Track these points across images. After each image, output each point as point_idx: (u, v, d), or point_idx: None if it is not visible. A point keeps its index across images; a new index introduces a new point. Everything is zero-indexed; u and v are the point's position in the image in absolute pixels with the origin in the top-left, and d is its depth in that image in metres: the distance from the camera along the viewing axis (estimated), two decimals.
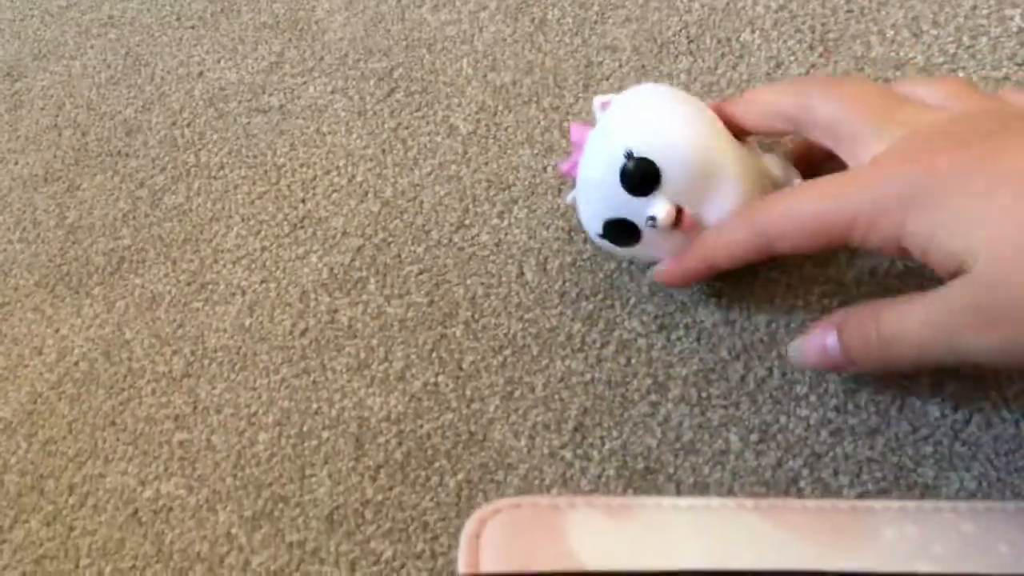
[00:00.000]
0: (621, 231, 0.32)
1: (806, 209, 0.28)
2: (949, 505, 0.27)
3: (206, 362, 0.40)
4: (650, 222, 0.31)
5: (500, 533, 0.28)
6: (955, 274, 0.25)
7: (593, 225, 0.33)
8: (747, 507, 0.28)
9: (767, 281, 0.36)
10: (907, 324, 0.26)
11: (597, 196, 0.32)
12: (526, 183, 0.41)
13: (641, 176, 0.30)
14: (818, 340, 0.30)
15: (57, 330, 0.43)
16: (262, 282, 0.41)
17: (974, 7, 0.41)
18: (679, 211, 0.31)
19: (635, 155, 0.30)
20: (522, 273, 0.39)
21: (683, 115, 0.30)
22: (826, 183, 0.28)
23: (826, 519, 0.27)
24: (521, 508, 0.29)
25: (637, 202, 0.31)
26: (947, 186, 0.24)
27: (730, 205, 0.30)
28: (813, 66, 0.41)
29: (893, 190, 0.26)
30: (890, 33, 0.41)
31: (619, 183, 0.30)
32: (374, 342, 0.38)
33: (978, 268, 0.24)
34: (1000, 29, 0.40)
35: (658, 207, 0.30)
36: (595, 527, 0.28)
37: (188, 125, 0.48)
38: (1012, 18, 0.40)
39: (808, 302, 0.35)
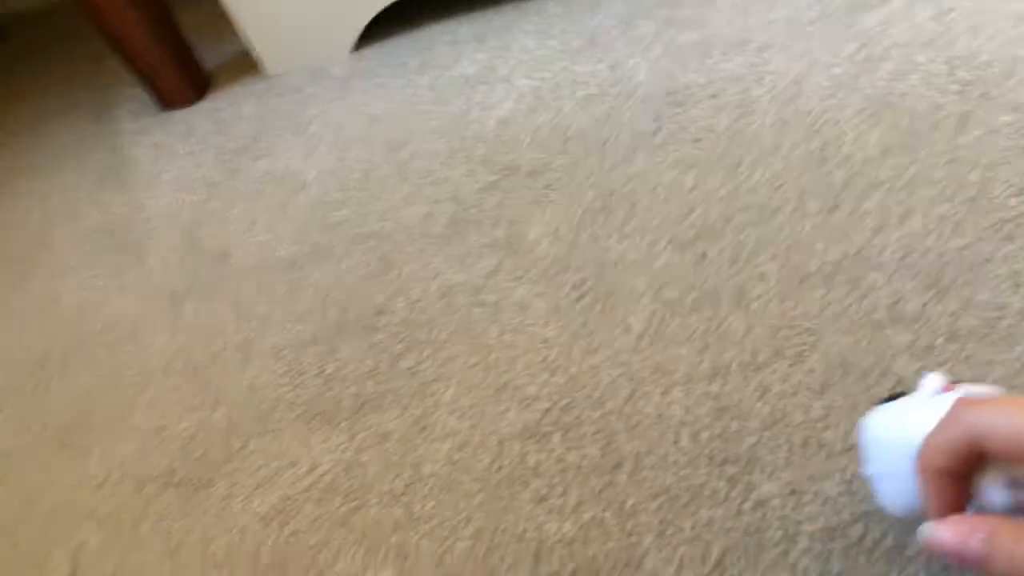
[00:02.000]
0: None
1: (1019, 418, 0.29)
2: None
3: (421, 484, 0.51)
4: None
5: None
6: None
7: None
8: None
9: None
10: None
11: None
12: (684, 372, 0.52)
13: None
14: (961, 536, 0.30)
15: (309, 451, 0.55)
16: (470, 428, 0.53)
17: None
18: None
19: None
20: (678, 439, 0.48)
21: None
22: None
23: None
24: None
25: None
26: None
27: None
28: (925, 304, 0.51)
29: None
30: (992, 283, 0.51)
31: None
32: (554, 481, 0.48)
33: None
34: None
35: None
36: None
37: (423, 311, 0.63)
38: None
39: None
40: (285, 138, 0.91)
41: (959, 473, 0.31)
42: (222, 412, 0.60)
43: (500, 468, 0.50)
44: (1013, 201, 0.55)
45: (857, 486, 0.43)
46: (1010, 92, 0.64)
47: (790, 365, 0.50)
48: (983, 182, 0.58)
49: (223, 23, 1.15)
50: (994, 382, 0.46)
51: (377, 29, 1.04)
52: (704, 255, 0.60)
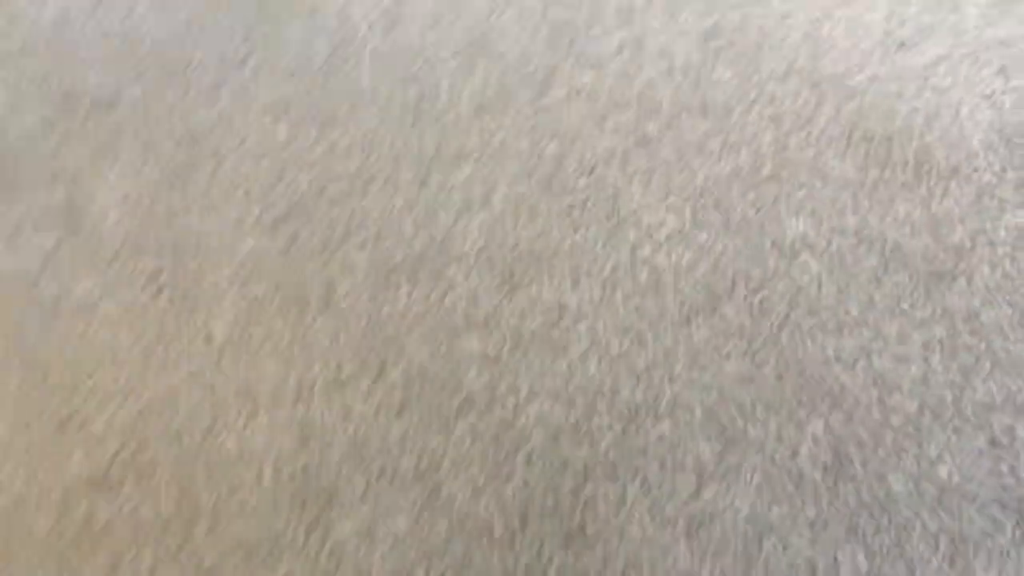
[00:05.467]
0: None
1: None
2: None
3: None
4: None
5: None
6: None
7: None
8: None
9: None
10: None
11: None
12: (269, 393, 0.50)
13: None
14: None
15: None
16: (27, 478, 0.48)
17: None
18: None
19: None
20: (260, 478, 0.48)
21: None
22: None
23: None
24: None
25: None
26: None
27: None
28: (500, 303, 0.53)
29: None
30: (556, 280, 0.54)
31: None
32: (127, 541, 0.46)
33: None
34: None
35: None
36: None
37: None
38: None
39: None
40: None
41: None
42: None
43: (64, 531, 0.46)
44: (582, 182, 0.58)
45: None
46: (595, 40, 0.65)
47: (372, 381, 0.51)
48: (559, 157, 0.60)
49: None
50: (549, 392, 0.51)
51: None
52: (294, 238, 0.56)
